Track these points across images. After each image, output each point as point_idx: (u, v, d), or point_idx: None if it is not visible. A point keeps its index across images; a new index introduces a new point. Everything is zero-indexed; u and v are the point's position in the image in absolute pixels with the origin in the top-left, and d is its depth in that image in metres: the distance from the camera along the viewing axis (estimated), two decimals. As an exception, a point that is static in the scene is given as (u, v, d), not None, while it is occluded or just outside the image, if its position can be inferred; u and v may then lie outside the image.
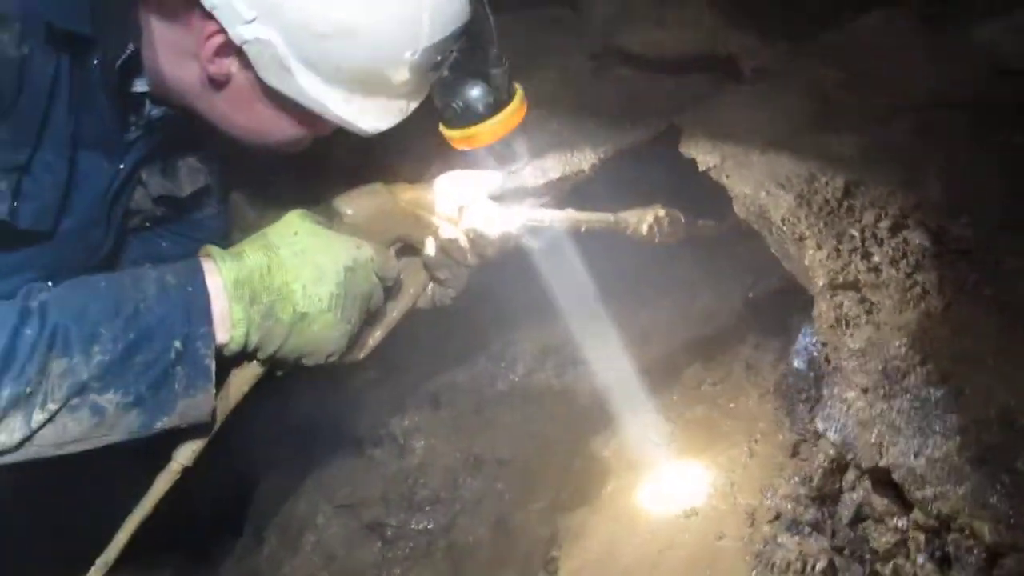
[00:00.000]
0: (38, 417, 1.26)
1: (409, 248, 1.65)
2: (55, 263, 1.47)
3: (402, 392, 2.23)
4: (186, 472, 1.52)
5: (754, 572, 1.59)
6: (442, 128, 1.62)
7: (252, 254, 1.44)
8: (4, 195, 1.34)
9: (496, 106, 1.57)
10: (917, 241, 1.51)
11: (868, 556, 1.42)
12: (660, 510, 1.79)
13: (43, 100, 1.35)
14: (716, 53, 1.79)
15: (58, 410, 1.27)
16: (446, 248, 1.61)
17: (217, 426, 1.51)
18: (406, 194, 1.62)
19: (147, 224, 1.73)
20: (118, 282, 1.37)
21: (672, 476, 1.86)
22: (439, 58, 1.49)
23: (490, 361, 2.28)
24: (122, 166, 1.54)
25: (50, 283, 1.36)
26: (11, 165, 1.35)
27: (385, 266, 1.55)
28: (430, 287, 1.70)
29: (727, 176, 1.74)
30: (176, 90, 1.50)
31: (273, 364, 1.52)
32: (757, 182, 1.70)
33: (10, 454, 1.28)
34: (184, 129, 1.59)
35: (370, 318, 1.60)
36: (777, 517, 1.66)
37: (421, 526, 2.10)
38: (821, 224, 1.59)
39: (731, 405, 2.02)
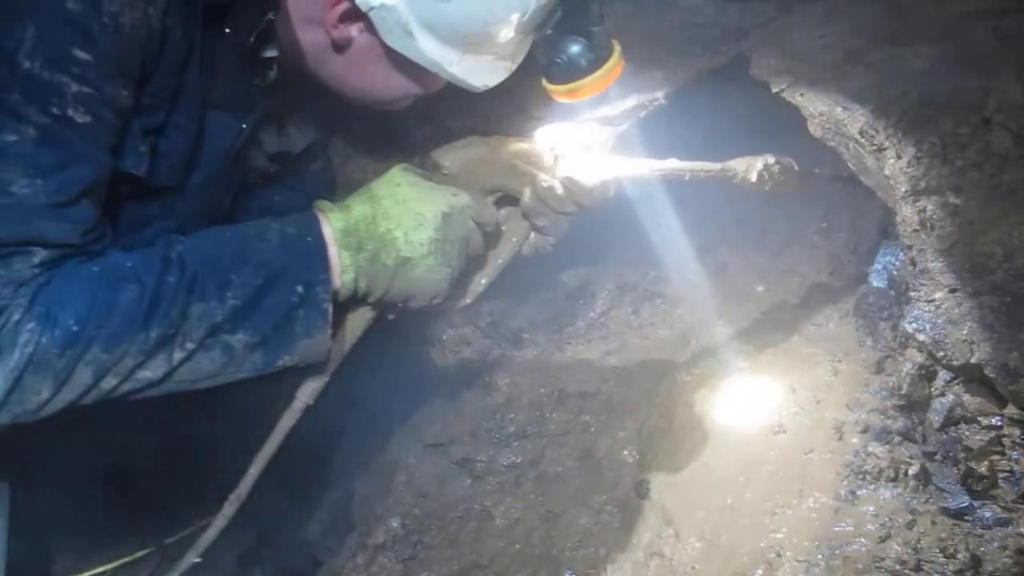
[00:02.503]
0: (178, 355, 1.38)
1: (510, 198, 1.71)
2: (184, 214, 1.60)
3: (484, 332, 2.28)
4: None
5: (845, 481, 1.61)
6: (544, 83, 1.68)
7: (358, 206, 1.55)
8: (143, 156, 1.46)
9: (597, 61, 1.63)
10: (999, 143, 1.50)
11: (962, 456, 1.44)
12: (747, 429, 1.82)
13: (179, 67, 1.45)
14: (784, -26, 1.79)
15: (195, 349, 1.39)
16: (543, 196, 1.66)
17: (334, 367, 1.64)
18: (502, 145, 1.70)
19: (260, 180, 1.86)
20: (244, 233, 1.48)
21: (757, 397, 1.88)
22: (544, 18, 1.57)
23: (569, 299, 2.31)
24: (244, 125, 1.64)
25: (182, 235, 1.47)
26: (150, 128, 1.46)
27: (483, 212, 1.63)
28: (532, 235, 1.75)
29: (800, 95, 1.75)
30: (300, 54, 1.59)
31: (383, 307, 1.63)
32: (831, 99, 1.70)
33: (154, 388, 1.39)
34: (298, 91, 1.70)
35: (473, 264, 1.69)
36: (866, 430, 1.68)
37: (509, 460, 2.15)
38: (900, 134, 1.59)
39: (812, 328, 2.03)
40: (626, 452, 1.99)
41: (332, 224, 1.51)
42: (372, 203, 1.55)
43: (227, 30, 1.51)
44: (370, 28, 1.51)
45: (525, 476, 2.11)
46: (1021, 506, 1.36)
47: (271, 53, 1.59)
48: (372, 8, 1.46)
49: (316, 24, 1.54)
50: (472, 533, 2.06)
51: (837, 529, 1.54)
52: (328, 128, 1.93)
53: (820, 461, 1.68)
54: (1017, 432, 1.37)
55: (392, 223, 1.54)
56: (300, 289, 1.46)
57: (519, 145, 1.70)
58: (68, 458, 1.97)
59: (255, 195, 1.88)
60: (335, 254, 1.50)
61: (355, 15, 1.50)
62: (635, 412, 2.05)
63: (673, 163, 1.71)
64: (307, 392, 1.65)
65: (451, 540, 2.06)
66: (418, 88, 1.64)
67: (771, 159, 1.72)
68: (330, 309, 1.49)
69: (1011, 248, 1.37)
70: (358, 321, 1.64)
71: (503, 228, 1.73)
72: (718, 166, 1.72)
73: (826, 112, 1.69)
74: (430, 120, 2.02)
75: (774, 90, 1.78)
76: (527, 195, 1.67)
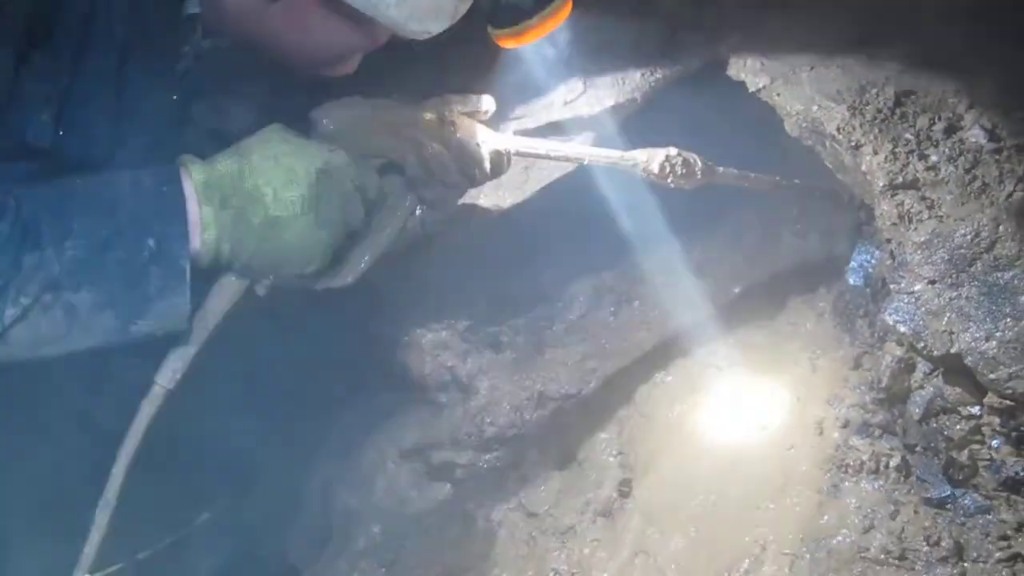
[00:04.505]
0: (10, 312, 1.24)
1: (396, 167, 1.58)
2: None
3: (462, 336, 2.27)
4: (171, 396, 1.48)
5: (827, 476, 1.63)
6: (490, 30, 1.62)
7: (224, 160, 1.41)
8: (46, 124, 1.34)
9: (543, 1, 1.57)
10: (973, 139, 1.54)
11: (943, 446, 1.46)
12: (728, 427, 1.84)
13: (82, 21, 1.34)
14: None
15: (30, 306, 1.25)
16: (429, 164, 1.54)
17: (199, 346, 1.48)
18: (389, 108, 1.57)
19: None
20: (94, 182, 1.34)
21: (737, 395, 1.90)
22: None
23: (547, 302, 2.31)
24: (175, 97, 1.54)
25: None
26: (51, 94, 1.34)
27: (363, 175, 1.50)
28: (419, 209, 1.63)
29: (777, 95, 1.77)
30: (227, 7, 1.47)
31: (251, 276, 1.48)
32: (808, 98, 1.73)
33: None
34: (233, 63, 1.60)
35: (355, 238, 1.55)
36: (846, 425, 1.70)
37: (490, 464, 2.14)
38: (876, 131, 1.62)
39: (789, 327, 2.05)
40: (608, 453, 2.00)
41: (193, 176, 1.36)
42: (240, 158, 1.40)
43: None
44: None
45: (507, 479, 2.11)
46: (1002, 493, 1.39)
47: (193, 9, 1.45)
48: None
49: None
50: (454, 536, 2.05)
51: (821, 522, 1.56)
52: (273, 111, 1.74)
53: (802, 456, 1.69)
54: (996, 420, 1.39)
55: (261, 179, 1.38)
56: (151, 243, 1.30)
57: (407, 110, 1.56)
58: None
59: None
60: (195, 209, 1.34)
61: None
62: (615, 413, 2.06)
63: (573, 147, 1.70)
64: (167, 375, 1.47)
65: (433, 543, 2.05)
66: (360, 40, 1.53)
67: (674, 151, 1.71)
68: (187, 267, 1.33)
69: (988, 240, 1.40)
70: (225, 293, 1.47)
71: (388, 202, 1.60)
72: (618, 154, 1.70)
73: (803, 111, 1.71)
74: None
75: (751, 90, 1.80)
76: (412, 163, 1.55)
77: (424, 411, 2.27)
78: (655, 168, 1.70)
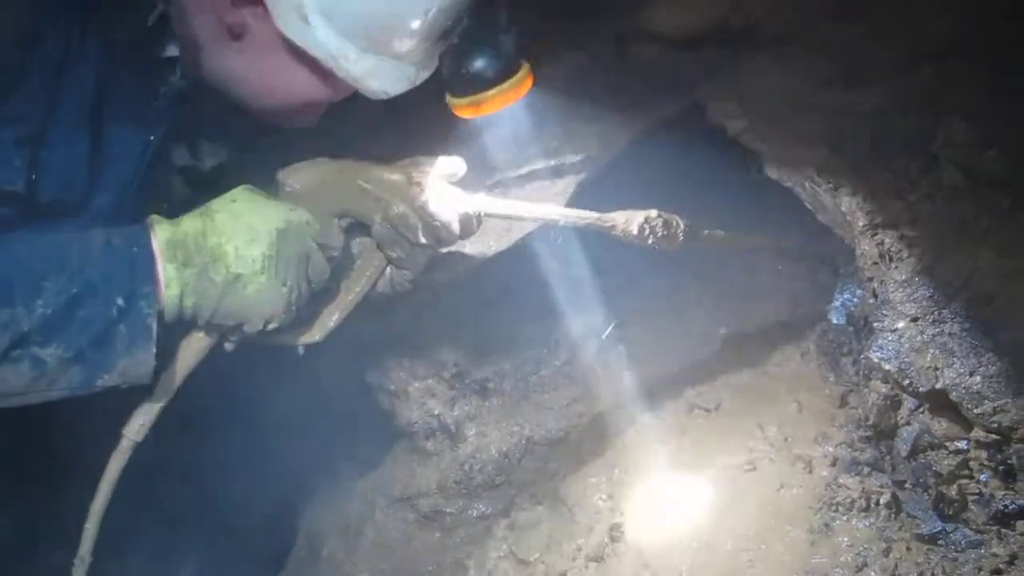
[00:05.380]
0: None
1: (366, 228, 1.60)
2: None
3: (449, 383, 2.27)
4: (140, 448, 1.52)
5: (818, 514, 1.63)
6: (449, 99, 1.62)
7: (189, 220, 1.44)
8: (20, 170, 1.36)
9: (504, 73, 1.57)
10: (949, 178, 1.56)
11: (932, 481, 1.47)
12: (719, 468, 1.84)
13: (54, 71, 1.36)
14: (734, 24, 1.86)
15: None
16: (395, 223, 1.55)
17: (165, 401, 1.52)
18: (355, 168, 1.58)
19: (165, 205, 1.67)
20: (65, 239, 1.38)
21: (725, 436, 1.90)
22: (450, 24, 1.50)
23: (533, 348, 2.32)
24: (152, 137, 1.55)
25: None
26: (24, 138, 1.36)
27: (326, 233, 1.53)
28: (388, 270, 1.66)
29: (756, 139, 1.81)
30: (196, 48, 1.50)
31: (216, 331, 1.51)
32: (786, 141, 1.76)
33: None
34: (207, 103, 1.61)
35: (320, 293, 1.58)
36: (835, 463, 1.71)
37: (479, 511, 2.13)
38: (854, 172, 1.65)
39: (775, 367, 2.07)
40: (598, 497, 1.99)
41: (158, 235, 1.40)
42: (204, 217, 1.44)
43: (119, 28, 1.42)
44: (264, 14, 1.41)
45: (496, 526, 2.10)
46: (992, 527, 1.39)
47: (172, 52, 1.48)
48: None
49: (210, 11, 1.45)
50: (446, 585, 2.04)
51: (814, 561, 1.56)
52: (245, 151, 1.82)
53: (792, 496, 1.70)
54: (984, 454, 1.40)
55: (223, 237, 1.42)
56: (120, 302, 1.34)
57: (374, 170, 1.57)
58: None
59: None
60: (159, 268, 1.38)
61: None
62: (604, 457, 2.05)
63: (548, 208, 1.69)
64: (135, 428, 1.52)
65: (424, 593, 2.03)
66: (319, 91, 1.54)
67: (654, 213, 1.69)
68: (154, 326, 1.37)
69: (968, 275, 1.42)
70: (191, 349, 1.52)
71: (358, 262, 1.64)
72: (595, 215, 1.68)
73: (782, 153, 1.75)
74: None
75: (731, 134, 1.83)
76: (378, 222, 1.56)
77: (412, 458, 2.26)
78: (634, 230, 1.68)
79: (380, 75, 1.50)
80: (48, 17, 1.33)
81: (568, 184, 1.95)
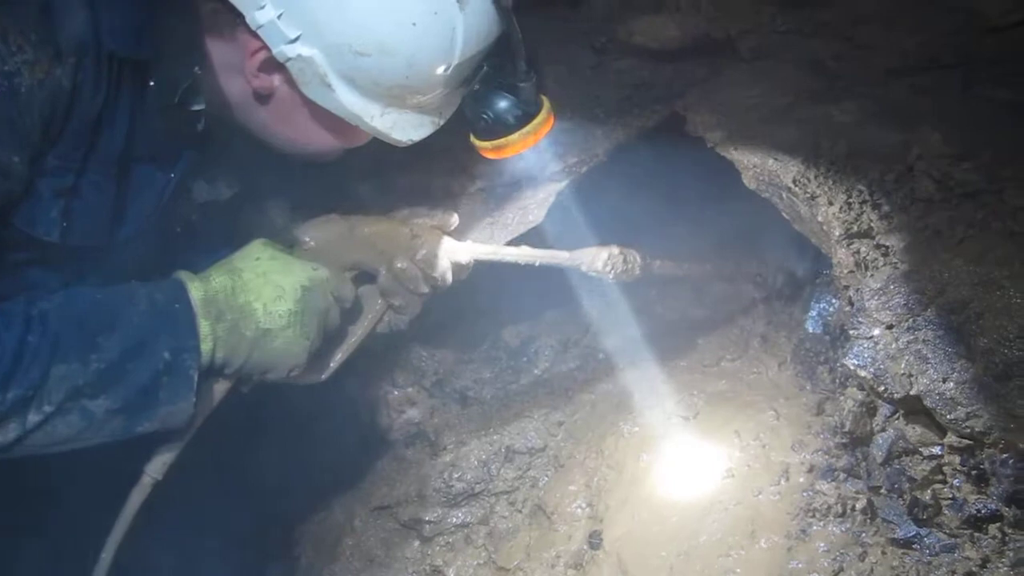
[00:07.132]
0: (33, 419, 1.34)
1: (367, 275, 1.78)
2: (111, 270, 1.57)
3: (429, 391, 2.28)
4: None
5: (795, 520, 1.64)
6: (472, 139, 1.68)
7: (218, 277, 1.56)
8: (55, 221, 1.44)
9: (525, 117, 1.63)
10: (923, 189, 1.59)
11: (906, 487, 1.48)
12: (696, 475, 1.84)
13: (91, 126, 1.43)
14: (714, 37, 1.88)
15: (52, 413, 1.36)
16: (398, 276, 1.74)
17: (185, 440, 1.63)
18: (362, 224, 1.76)
19: (179, 229, 1.80)
20: (113, 295, 1.46)
21: (703, 444, 1.91)
22: (470, 73, 1.57)
23: (512, 357, 2.34)
24: (172, 175, 1.62)
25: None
26: (61, 189, 1.43)
27: (341, 288, 1.68)
28: (387, 314, 1.83)
29: (734, 149, 1.83)
30: (226, 105, 1.58)
31: (239, 379, 1.64)
32: (764, 152, 1.78)
33: (1, 453, 1.35)
34: (227, 142, 1.68)
35: (330, 339, 1.72)
36: (811, 469, 1.72)
37: (459, 519, 2.14)
38: (830, 182, 1.67)
39: (752, 376, 2.09)
40: (577, 505, 2.00)
41: (192, 293, 1.51)
42: (232, 275, 1.56)
43: (151, 83, 1.49)
44: (290, 79, 1.49)
45: (476, 534, 2.10)
46: (965, 531, 1.41)
47: (198, 106, 1.56)
48: (289, 59, 1.45)
49: (239, 74, 1.53)
50: (425, 593, 2.03)
51: (791, 566, 1.57)
52: (265, 180, 1.91)
53: (770, 502, 1.71)
54: (957, 459, 1.42)
55: (252, 295, 1.55)
56: (167, 356, 1.45)
57: (378, 224, 1.76)
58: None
59: (181, 248, 1.81)
60: (199, 323, 1.49)
61: (275, 65, 1.48)
62: (583, 465, 2.06)
63: (526, 250, 1.85)
64: (157, 466, 1.64)
65: (403, 601, 2.03)
66: (343, 141, 1.64)
67: (616, 250, 1.88)
68: (196, 377, 1.48)
69: (942, 284, 1.44)
70: (212, 393, 1.63)
71: (360, 307, 1.80)
72: (566, 254, 1.88)
73: (759, 164, 1.77)
74: (377, 174, 2.03)
75: (709, 145, 1.85)
76: (383, 274, 1.75)
77: (391, 467, 2.27)
78: (599, 266, 1.87)
79: (403, 126, 1.59)
80: (88, 73, 1.38)
81: (548, 193, 1.97)
